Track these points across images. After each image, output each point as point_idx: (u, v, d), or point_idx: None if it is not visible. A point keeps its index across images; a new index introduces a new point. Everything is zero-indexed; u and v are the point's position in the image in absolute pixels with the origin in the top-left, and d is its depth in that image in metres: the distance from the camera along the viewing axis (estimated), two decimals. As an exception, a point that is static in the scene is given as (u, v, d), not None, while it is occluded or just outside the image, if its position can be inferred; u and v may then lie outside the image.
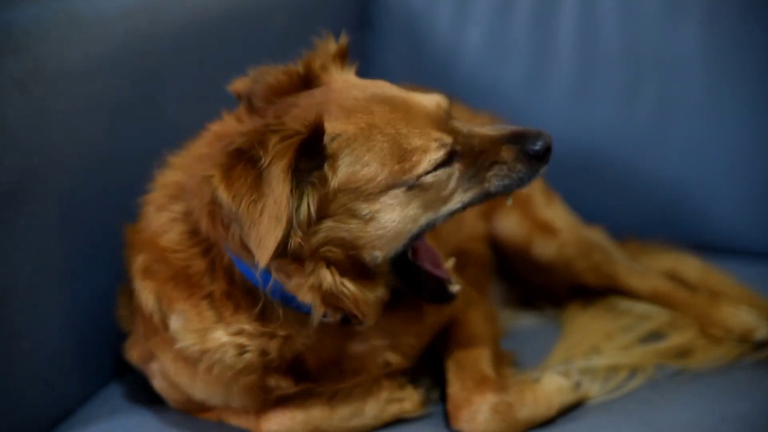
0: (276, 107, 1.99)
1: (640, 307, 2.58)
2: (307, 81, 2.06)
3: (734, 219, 2.85)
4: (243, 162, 1.83)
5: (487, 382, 2.11)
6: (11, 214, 2.06)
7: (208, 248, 2.01)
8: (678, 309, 2.55)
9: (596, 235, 2.66)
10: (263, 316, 2.00)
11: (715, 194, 2.85)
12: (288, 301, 1.97)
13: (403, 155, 1.90)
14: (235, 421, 2.14)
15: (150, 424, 2.16)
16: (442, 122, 1.97)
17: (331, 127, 1.89)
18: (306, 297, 1.93)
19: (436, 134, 1.93)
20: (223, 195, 1.83)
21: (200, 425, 2.14)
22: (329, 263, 1.92)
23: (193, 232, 2.01)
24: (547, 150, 2.00)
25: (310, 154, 1.86)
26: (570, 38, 2.93)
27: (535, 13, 2.97)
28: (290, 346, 2.02)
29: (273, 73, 2.06)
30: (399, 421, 2.14)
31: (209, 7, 2.64)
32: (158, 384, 2.17)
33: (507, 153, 1.98)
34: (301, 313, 1.99)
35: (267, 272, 1.91)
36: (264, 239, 1.82)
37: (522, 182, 1.99)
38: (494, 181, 1.98)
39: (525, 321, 2.63)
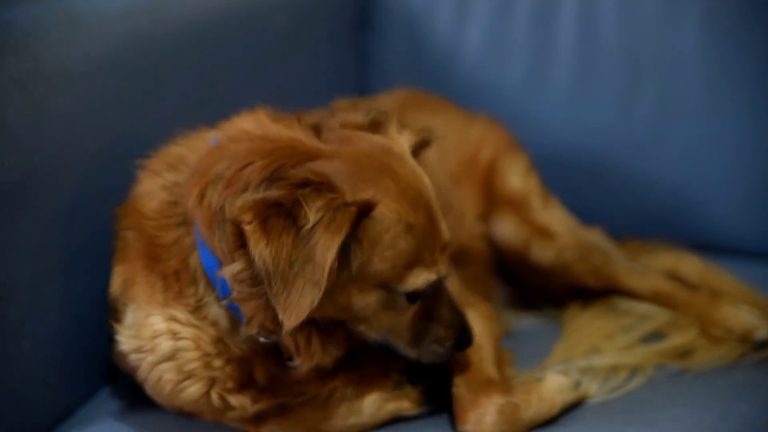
0: (335, 134, 1.96)
1: (641, 307, 2.58)
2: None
3: (734, 219, 2.85)
4: (283, 217, 1.78)
5: (493, 384, 2.10)
6: (11, 214, 2.06)
7: (180, 223, 1.99)
8: (678, 309, 2.55)
9: (595, 237, 2.66)
10: (198, 311, 1.98)
11: (715, 194, 2.85)
12: (233, 307, 1.94)
13: (411, 264, 1.89)
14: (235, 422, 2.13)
15: (150, 424, 2.16)
16: (445, 256, 1.98)
17: (381, 205, 1.85)
18: (253, 321, 1.90)
19: (443, 262, 1.95)
20: (261, 250, 1.77)
21: (200, 425, 2.13)
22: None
23: (174, 203, 1.99)
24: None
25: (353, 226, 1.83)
26: (570, 38, 2.93)
27: (535, 13, 2.97)
28: (229, 351, 1.99)
29: (348, 116, 2.03)
30: (398, 419, 2.14)
31: (209, 7, 2.64)
32: (142, 382, 2.12)
33: (450, 338, 2.03)
34: (238, 320, 1.96)
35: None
36: (296, 304, 1.79)
37: (431, 360, 2.05)
38: (425, 353, 2.03)
39: (525, 321, 2.63)
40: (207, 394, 2.01)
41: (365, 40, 3.16)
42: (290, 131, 1.95)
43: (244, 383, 2.01)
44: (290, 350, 1.95)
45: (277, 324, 1.85)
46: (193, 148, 2.07)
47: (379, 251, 1.86)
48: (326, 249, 1.77)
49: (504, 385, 2.11)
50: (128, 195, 2.12)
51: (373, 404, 2.10)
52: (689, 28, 2.80)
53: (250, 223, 1.78)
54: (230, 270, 1.86)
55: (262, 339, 1.97)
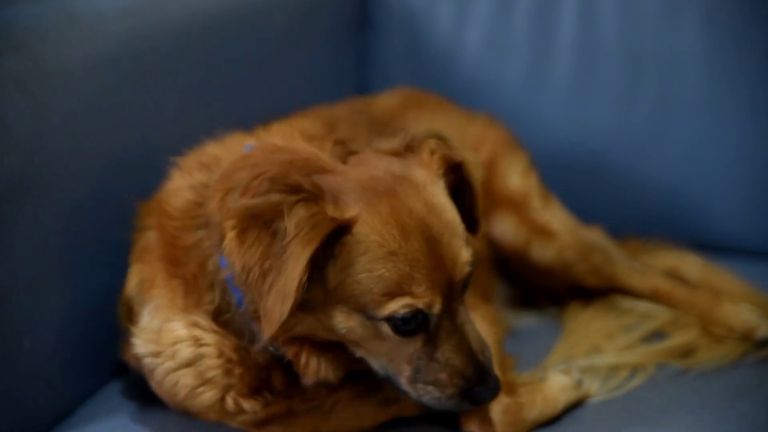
0: (359, 157, 1.96)
1: (642, 306, 2.58)
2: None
3: (733, 218, 2.86)
4: (260, 227, 1.79)
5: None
6: (11, 214, 2.06)
7: (202, 224, 1.98)
8: (679, 308, 2.54)
9: (595, 236, 2.66)
10: (217, 317, 1.97)
11: (715, 193, 2.85)
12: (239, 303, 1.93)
13: (392, 293, 1.83)
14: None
15: (150, 423, 2.16)
16: (450, 288, 1.88)
17: (362, 224, 1.82)
18: (265, 332, 1.87)
19: (433, 297, 1.84)
20: (234, 257, 1.79)
21: (200, 425, 2.13)
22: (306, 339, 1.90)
23: (199, 204, 1.99)
24: (489, 400, 1.95)
25: (329, 241, 1.80)
26: (570, 37, 2.94)
27: (535, 12, 2.97)
28: (251, 359, 1.98)
29: (384, 142, 2.01)
30: (398, 420, 2.14)
31: (209, 7, 2.64)
32: (155, 386, 2.13)
33: (454, 386, 1.90)
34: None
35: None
36: (270, 313, 1.79)
37: (442, 407, 1.93)
38: (424, 395, 1.91)
39: (525, 320, 2.63)
40: (222, 399, 2.00)
41: (365, 39, 3.16)
42: (313, 148, 1.95)
43: (258, 388, 2.01)
44: (294, 365, 1.94)
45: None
46: (228, 150, 2.06)
47: (353, 272, 1.82)
48: (296, 261, 1.76)
49: (508, 386, 2.10)
50: (133, 194, 2.12)
51: (374, 406, 2.10)
52: (689, 27, 2.80)
53: (233, 228, 1.80)
54: (227, 272, 1.87)
55: (271, 349, 1.96)
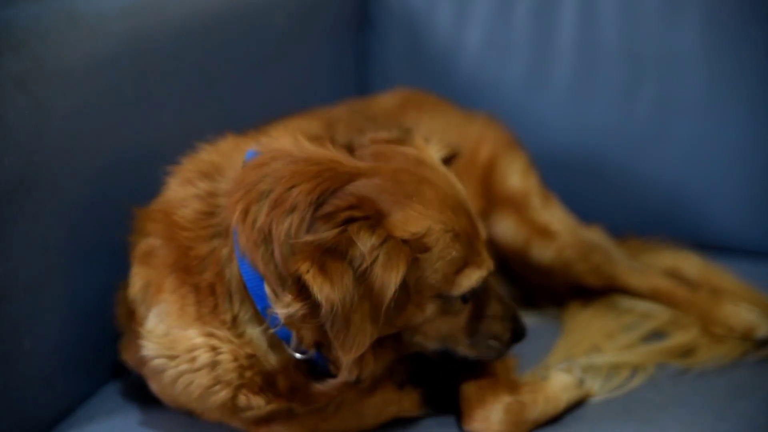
0: (369, 150, 1.99)
1: (642, 306, 2.57)
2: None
3: (733, 218, 2.85)
4: (339, 259, 1.81)
5: (499, 383, 2.11)
6: (12, 214, 2.06)
7: (215, 234, 1.98)
8: (679, 307, 2.54)
9: (595, 236, 2.66)
10: (234, 327, 1.98)
11: (715, 193, 2.85)
12: (273, 323, 1.93)
13: (461, 268, 1.93)
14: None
15: (150, 423, 2.16)
16: (487, 251, 2.01)
17: (424, 219, 1.88)
18: (305, 340, 1.92)
19: (488, 257, 1.99)
20: (327, 294, 1.80)
21: (201, 425, 2.13)
22: None
23: (209, 214, 1.99)
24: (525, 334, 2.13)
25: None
26: (570, 37, 2.94)
27: (535, 12, 2.97)
28: (260, 365, 1.99)
29: (377, 133, 2.08)
30: (399, 420, 2.14)
31: (209, 6, 2.64)
32: (155, 387, 2.13)
33: (507, 331, 2.08)
34: (276, 338, 1.97)
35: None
36: (356, 339, 1.83)
37: (494, 354, 2.10)
38: (485, 350, 2.07)
39: (526, 320, 2.62)
40: (234, 397, 2.00)
41: (365, 39, 3.16)
42: (328, 152, 1.97)
43: (264, 387, 2.01)
44: (338, 365, 1.94)
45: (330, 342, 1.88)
46: (226, 158, 2.06)
47: (431, 265, 1.90)
48: (386, 288, 1.82)
49: (510, 385, 2.11)
50: (133, 194, 2.12)
51: (374, 407, 2.10)
52: (689, 27, 2.80)
53: (308, 271, 1.81)
54: (286, 312, 1.87)
55: (298, 355, 1.97)
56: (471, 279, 1.94)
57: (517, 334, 2.09)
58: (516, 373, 2.21)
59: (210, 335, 1.98)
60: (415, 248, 1.86)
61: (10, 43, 2.11)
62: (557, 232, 2.60)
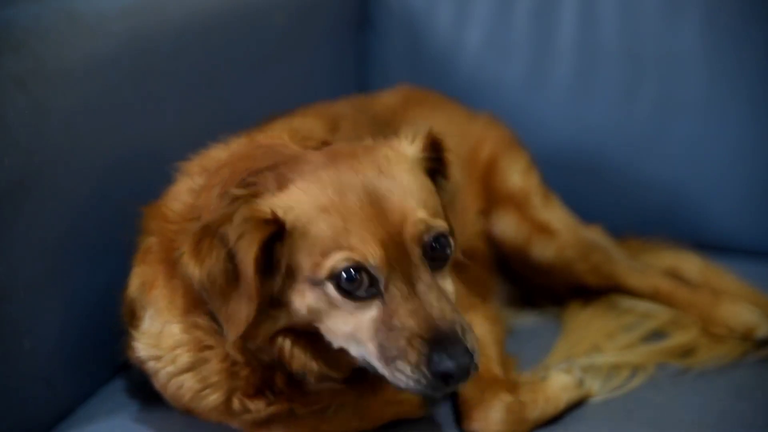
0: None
1: (642, 306, 2.57)
2: None
3: (733, 218, 2.86)
4: (210, 238, 1.83)
5: (499, 383, 2.10)
6: (12, 213, 2.06)
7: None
8: (679, 307, 2.54)
9: (595, 235, 2.66)
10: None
11: (715, 193, 2.85)
12: None
13: (329, 249, 1.80)
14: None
15: (150, 423, 2.16)
16: (400, 247, 1.82)
17: (299, 197, 1.83)
18: (230, 335, 1.89)
19: (370, 248, 1.79)
20: (192, 271, 1.84)
21: (201, 425, 2.13)
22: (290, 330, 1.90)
23: (195, 207, 1.99)
24: (457, 376, 1.78)
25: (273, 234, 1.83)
26: (570, 37, 2.94)
27: (535, 12, 2.97)
28: (254, 357, 1.96)
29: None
30: (399, 421, 2.14)
31: (209, 6, 2.64)
32: (158, 383, 2.13)
33: (416, 352, 1.78)
34: None
35: None
36: (234, 317, 1.83)
37: (422, 392, 1.82)
38: (397, 373, 1.80)
39: (526, 319, 2.63)
40: (227, 401, 2.00)
41: (365, 39, 3.16)
42: (289, 141, 1.98)
43: (262, 388, 2.00)
44: (282, 360, 1.93)
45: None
46: (232, 154, 2.07)
47: (296, 245, 1.82)
48: (246, 264, 1.80)
49: (510, 384, 2.11)
50: (133, 194, 2.13)
51: (375, 408, 2.09)
52: (689, 27, 2.80)
53: (184, 252, 1.85)
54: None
55: (251, 347, 1.95)
56: (333, 260, 1.79)
57: (434, 367, 1.76)
58: (516, 373, 2.21)
59: (194, 327, 1.98)
60: (275, 225, 1.81)
61: (10, 43, 2.11)
62: (558, 230, 2.60)
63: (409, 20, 3.09)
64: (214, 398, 2.00)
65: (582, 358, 2.35)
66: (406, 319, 1.78)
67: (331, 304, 1.83)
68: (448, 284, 1.88)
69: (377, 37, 3.14)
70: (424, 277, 1.82)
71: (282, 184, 1.85)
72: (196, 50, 2.56)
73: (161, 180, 2.12)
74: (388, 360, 1.80)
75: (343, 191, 1.82)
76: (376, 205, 1.81)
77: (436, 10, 3.07)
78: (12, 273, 2.06)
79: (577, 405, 2.19)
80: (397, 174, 1.87)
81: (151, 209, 2.09)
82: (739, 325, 2.46)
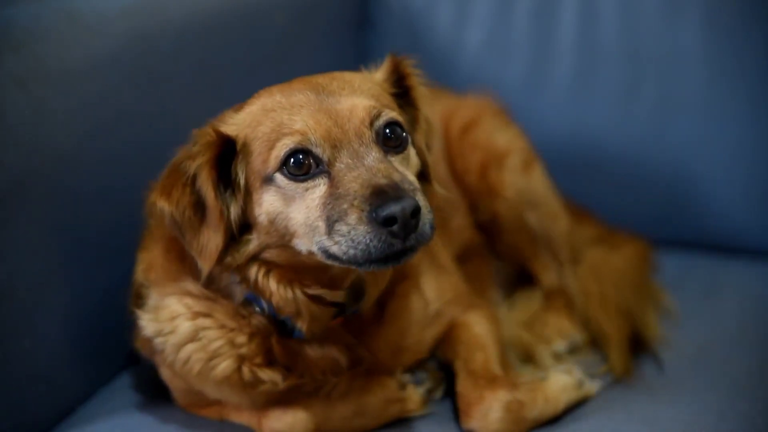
0: None
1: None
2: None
3: (734, 217, 2.86)
4: (175, 174, 1.90)
5: (498, 381, 2.10)
6: (12, 213, 2.06)
7: None
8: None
9: (551, 223, 2.58)
10: (210, 283, 2.01)
11: (715, 192, 2.85)
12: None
13: (274, 143, 1.87)
14: (237, 418, 2.13)
15: (150, 422, 2.16)
16: (345, 128, 1.86)
17: (241, 113, 1.92)
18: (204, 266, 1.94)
19: (302, 129, 1.84)
20: (164, 206, 1.90)
21: (201, 424, 2.13)
22: (265, 260, 1.94)
23: None
24: (403, 222, 1.76)
25: (229, 153, 1.91)
26: (570, 37, 2.94)
27: (535, 12, 2.98)
28: (247, 323, 2.01)
29: None
30: (401, 420, 2.14)
31: (209, 6, 2.65)
32: (165, 373, 2.15)
33: (356, 210, 1.79)
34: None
35: None
36: (205, 247, 1.89)
37: (369, 254, 1.78)
38: (341, 240, 1.80)
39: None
40: (238, 370, 2.01)
41: (365, 38, 3.16)
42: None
43: (272, 360, 2.02)
44: (259, 293, 1.96)
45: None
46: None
47: (248, 149, 1.89)
48: (205, 187, 1.87)
49: (509, 383, 2.11)
50: (133, 194, 2.13)
51: (377, 406, 2.10)
52: (689, 27, 2.80)
53: (155, 191, 1.92)
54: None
55: (257, 309, 2.00)
56: (278, 149, 1.85)
57: (379, 214, 1.76)
58: (515, 372, 2.21)
59: (186, 294, 2.02)
60: (223, 142, 1.88)
61: (10, 43, 2.12)
62: (507, 198, 2.52)
63: (409, 20, 3.09)
64: (224, 367, 2.01)
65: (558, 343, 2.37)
66: (349, 185, 1.82)
67: (286, 198, 1.87)
68: (405, 167, 1.92)
69: (377, 37, 3.15)
70: (374, 154, 1.86)
71: (238, 109, 1.95)
72: (196, 50, 2.56)
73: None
74: (332, 229, 1.80)
75: (291, 94, 1.91)
76: (324, 101, 1.89)
77: (436, 10, 3.07)
78: (12, 273, 2.07)
79: (576, 405, 2.19)
80: (350, 78, 1.96)
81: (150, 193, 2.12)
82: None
